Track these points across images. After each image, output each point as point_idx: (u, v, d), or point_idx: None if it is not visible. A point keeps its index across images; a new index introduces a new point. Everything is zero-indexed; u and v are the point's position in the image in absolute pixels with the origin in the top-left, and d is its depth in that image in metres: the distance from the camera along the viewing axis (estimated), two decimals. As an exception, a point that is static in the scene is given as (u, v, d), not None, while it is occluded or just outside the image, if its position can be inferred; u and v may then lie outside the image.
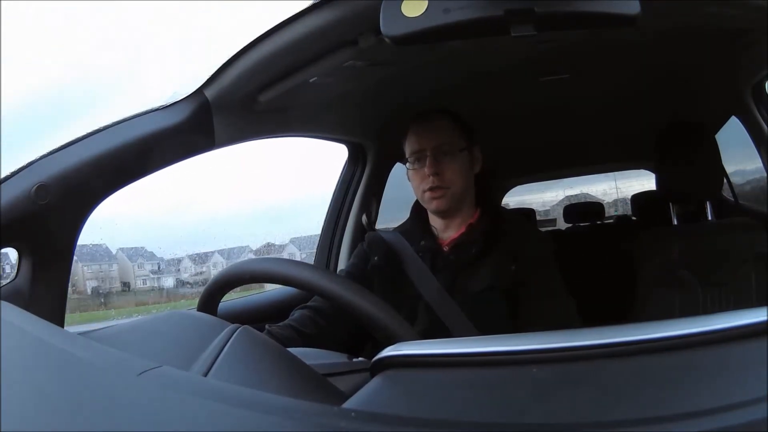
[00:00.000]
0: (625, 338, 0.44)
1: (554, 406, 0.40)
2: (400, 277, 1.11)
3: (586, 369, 0.43)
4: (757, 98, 1.47)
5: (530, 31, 0.57)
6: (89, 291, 2.45)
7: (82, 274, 2.42)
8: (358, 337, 1.03)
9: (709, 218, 1.57)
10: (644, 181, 2.91)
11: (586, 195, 3.35)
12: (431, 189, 1.09)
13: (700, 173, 1.32)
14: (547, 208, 3.58)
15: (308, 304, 1.09)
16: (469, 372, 0.46)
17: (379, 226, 1.62)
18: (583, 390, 0.42)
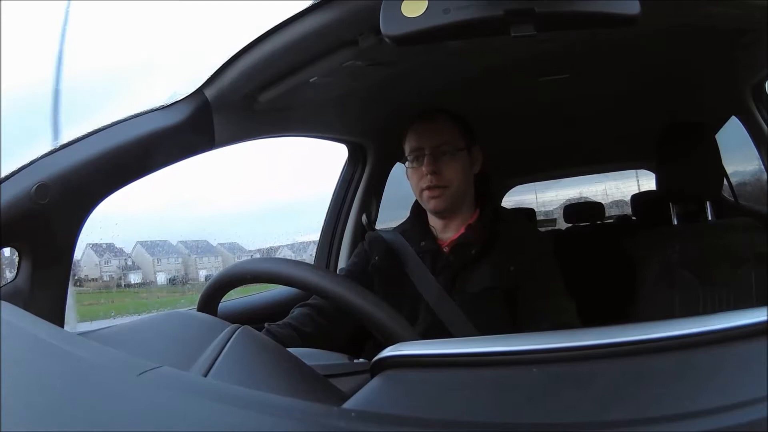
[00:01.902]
0: (625, 338, 0.44)
1: (554, 406, 0.40)
2: (401, 277, 1.11)
3: (586, 369, 0.43)
4: (757, 98, 1.47)
5: (530, 31, 0.57)
6: (203, 278, 2.91)
7: (195, 264, 2.91)
8: (358, 336, 1.03)
9: (709, 218, 1.57)
10: (632, 184, 2.94)
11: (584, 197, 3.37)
12: (429, 188, 1.09)
13: (701, 173, 1.32)
14: (549, 209, 3.60)
15: (308, 302, 1.09)
16: (469, 372, 0.45)
17: (378, 226, 1.62)
18: (583, 390, 0.42)
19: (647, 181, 2.83)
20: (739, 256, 1.21)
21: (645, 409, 0.37)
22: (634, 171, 2.99)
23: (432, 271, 1.10)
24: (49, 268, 0.77)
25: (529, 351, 0.45)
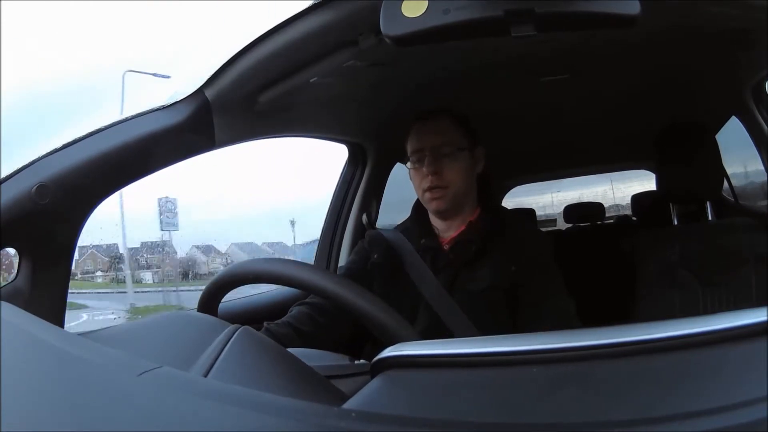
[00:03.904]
0: (625, 338, 0.44)
1: (554, 406, 0.40)
2: (400, 275, 1.11)
3: (586, 369, 0.43)
4: (757, 98, 1.47)
5: (530, 32, 0.57)
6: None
7: None
8: (357, 335, 1.03)
9: (709, 218, 1.57)
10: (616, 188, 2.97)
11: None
12: (430, 189, 1.09)
13: (701, 173, 1.32)
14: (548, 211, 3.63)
15: (307, 300, 1.09)
16: (470, 372, 0.46)
17: (378, 227, 1.62)
18: (584, 390, 0.42)
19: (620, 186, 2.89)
20: (739, 256, 1.21)
21: (645, 409, 0.37)
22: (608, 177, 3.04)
23: (432, 269, 1.10)
24: (49, 269, 0.77)
25: (529, 351, 0.45)
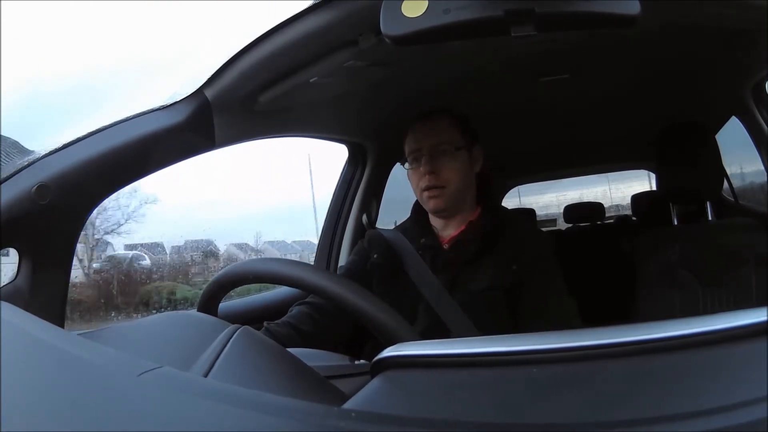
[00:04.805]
0: (625, 338, 0.44)
1: (554, 406, 0.40)
2: (400, 275, 1.11)
3: (586, 369, 0.43)
4: (757, 98, 1.47)
5: (530, 32, 0.57)
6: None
7: (308, 259, 3.66)
8: (356, 335, 1.03)
9: (709, 218, 1.57)
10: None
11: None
12: (428, 188, 1.09)
13: (701, 173, 1.32)
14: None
15: (307, 300, 1.09)
16: (470, 372, 0.45)
17: (378, 227, 1.62)
18: (583, 390, 0.42)
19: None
20: (739, 256, 1.21)
21: (645, 409, 0.37)
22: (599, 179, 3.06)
23: (432, 268, 1.10)
24: (49, 269, 0.77)
25: (529, 351, 0.45)
